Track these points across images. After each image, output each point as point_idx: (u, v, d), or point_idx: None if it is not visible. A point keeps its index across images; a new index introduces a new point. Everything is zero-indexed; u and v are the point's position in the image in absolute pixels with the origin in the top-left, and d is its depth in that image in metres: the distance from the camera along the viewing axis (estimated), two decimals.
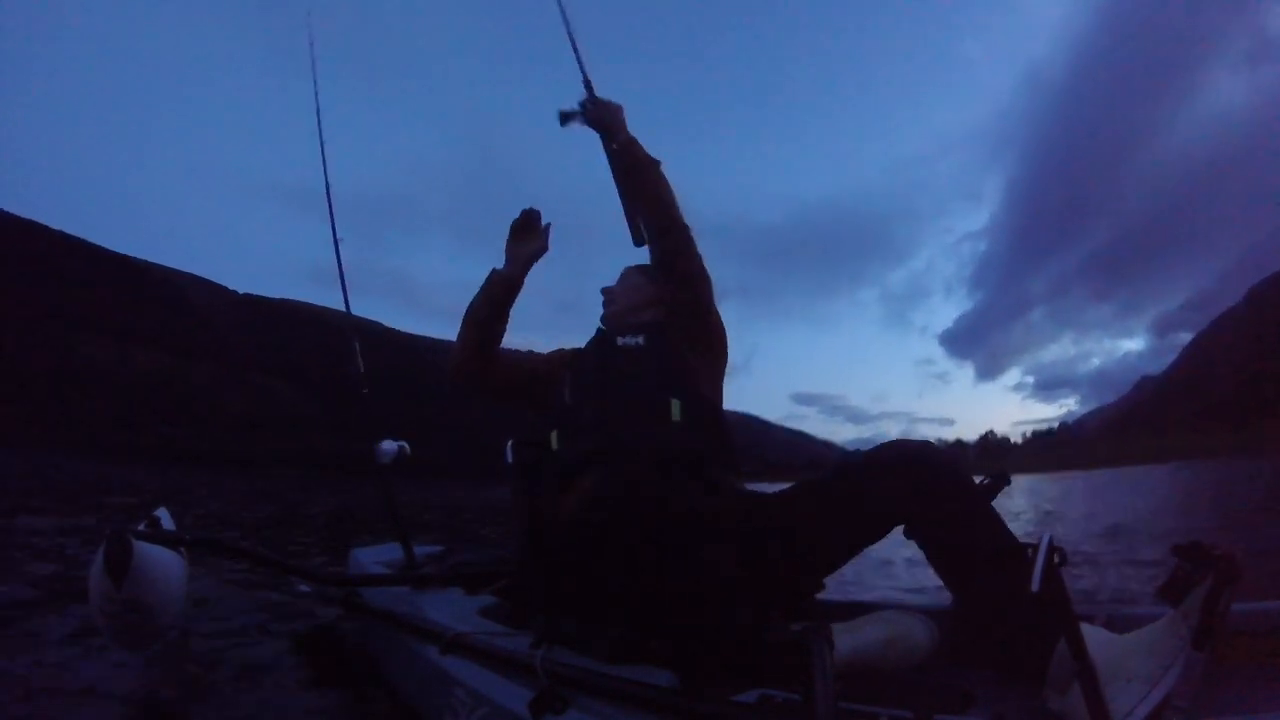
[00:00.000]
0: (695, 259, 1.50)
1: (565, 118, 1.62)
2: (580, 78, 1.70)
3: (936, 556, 1.16)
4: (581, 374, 1.48)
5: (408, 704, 1.67)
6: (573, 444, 1.34)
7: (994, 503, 1.19)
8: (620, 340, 1.49)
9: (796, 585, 1.31)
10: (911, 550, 1.23)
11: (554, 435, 1.38)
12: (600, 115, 1.60)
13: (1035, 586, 0.78)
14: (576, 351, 1.62)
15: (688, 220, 1.55)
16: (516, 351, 1.64)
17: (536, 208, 1.60)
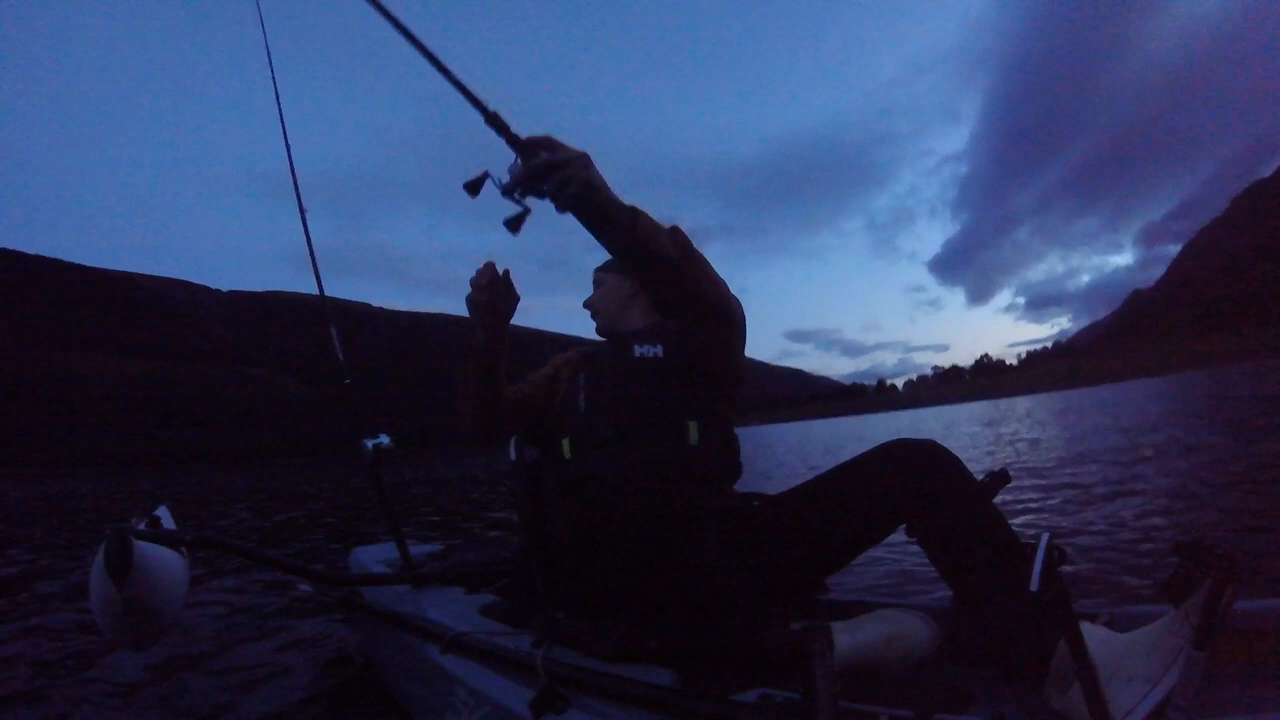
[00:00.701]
0: (694, 277, 1.24)
1: (472, 187, 1.04)
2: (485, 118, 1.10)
3: (938, 556, 1.16)
4: (598, 380, 1.42)
5: (408, 703, 1.67)
6: (586, 456, 1.31)
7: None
8: (638, 350, 1.41)
9: (797, 585, 1.31)
10: (912, 549, 1.23)
11: (566, 442, 1.34)
12: (562, 180, 1.00)
13: (1035, 586, 0.78)
14: (585, 354, 1.58)
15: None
16: (518, 387, 1.56)
17: (496, 268, 1.33)
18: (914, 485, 1.16)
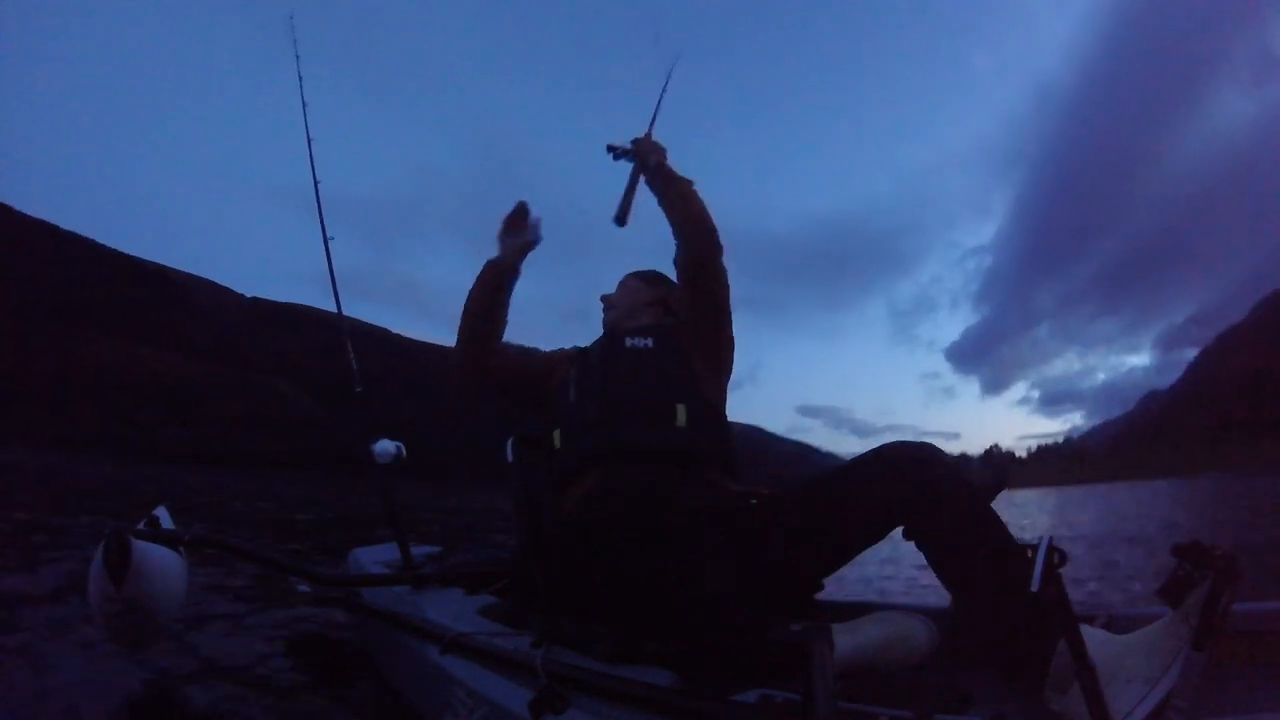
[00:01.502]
0: (721, 265, 1.53)
1: (615, 152, 1.69)
2: (650, 116, 1.80)
3: (936, 558, 1.16)
4: (586, 373, 1.48)
5: (408, 704, 1.67)
6: (576, 444, 1.34)
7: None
8: (629, 342, 1.50)
9: (797, 585, 1.31)
10: (912, 550, 1.23)
11: (557, 434, 1.38)
12: (647, 151, 1.65)
13: (1035, 587, 0.78)
14: (580, 350, 1.62)
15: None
16: (519, 347, 1.65)
17: (525, 201, 1.64)
18: (910, 488, 1.16)
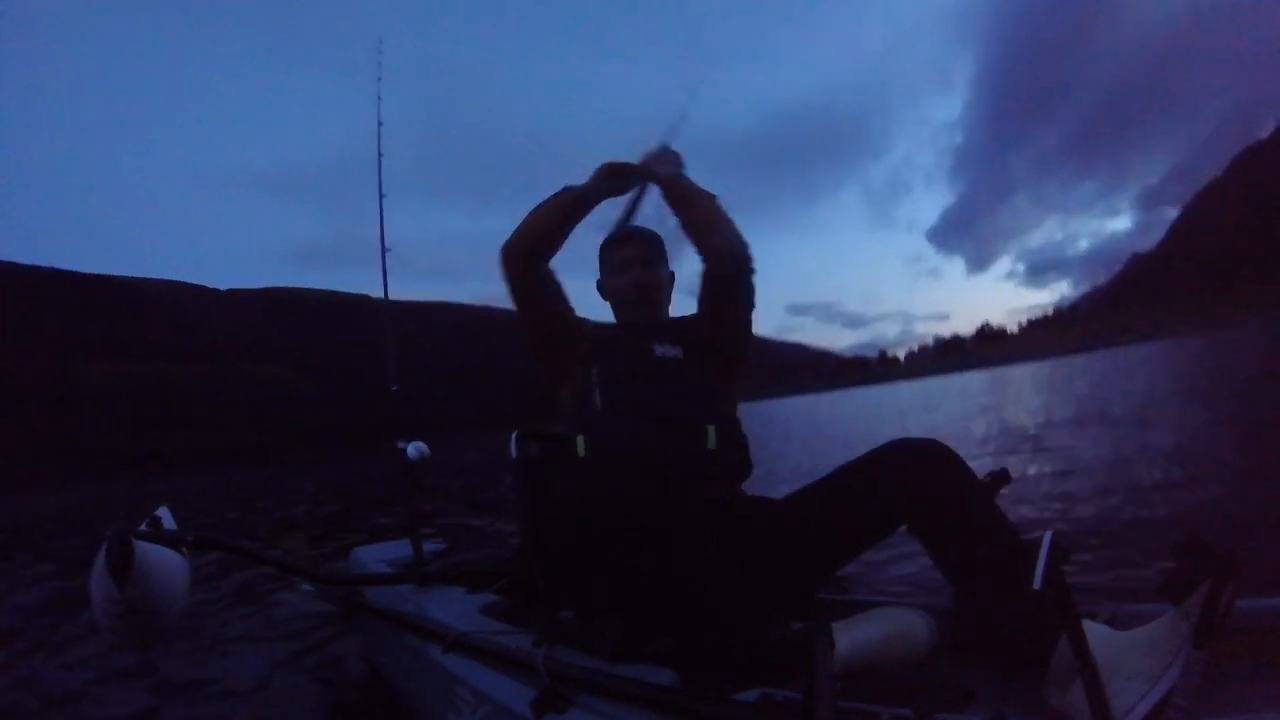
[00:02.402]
0: (752, 286, 1.43)
1: (624, 179, 1.56)
2: (668, 127, 1.66)
3: (939, 554, 1.16)
4: (612, 377, 1.39)
5: (410, 703, 1.67)
6: (602, 454, 1.29)
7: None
8: (658, 350, 1.42)
9: (798, 585, 1.31)
10: (914, 548, 1.23)
11: (580, 440, 1.30)
12: (658, 163, 1.53)
13: (1038, 583, 0.78)
14: (596, 332, 1.52)
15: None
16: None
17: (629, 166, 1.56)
18: (916, 486, 1.16)
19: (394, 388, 2.28)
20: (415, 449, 2.10)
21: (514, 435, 1.38)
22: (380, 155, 2.35)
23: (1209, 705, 0.81)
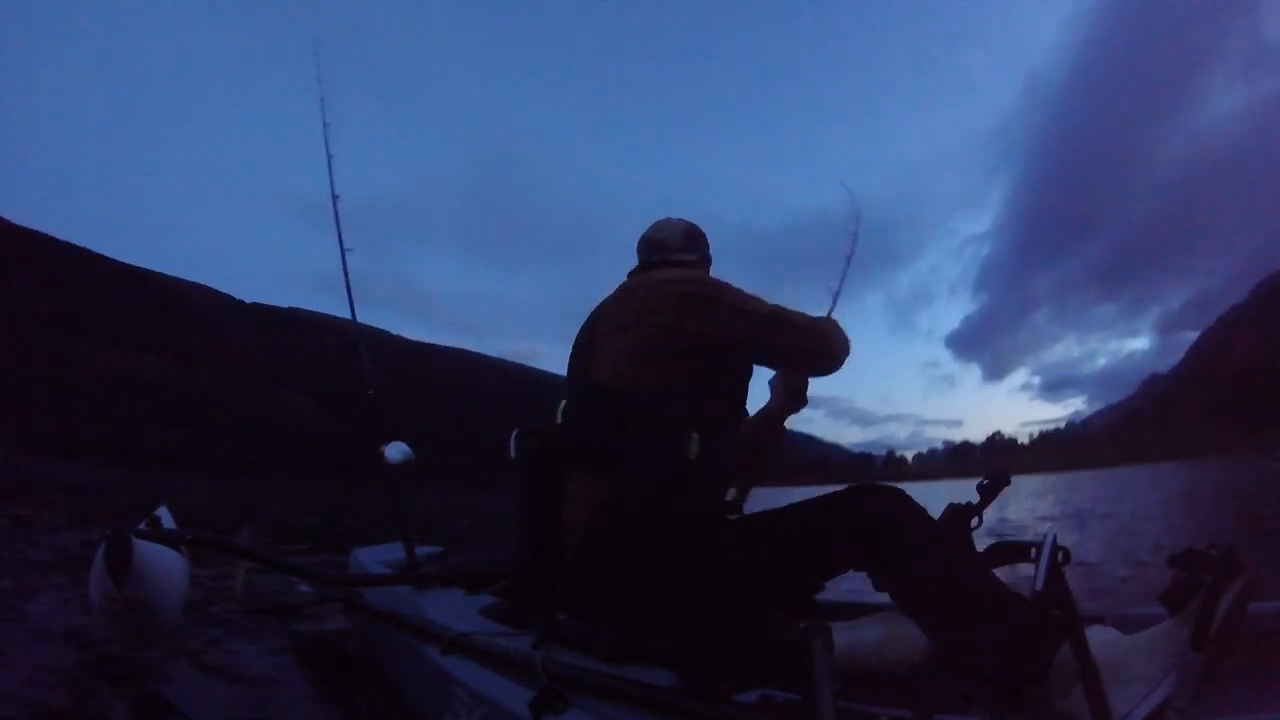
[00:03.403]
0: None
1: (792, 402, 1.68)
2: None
3: (908, 611, 1.09)
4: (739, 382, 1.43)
5: (408, 704, 1.67)
6: (711, 457, 1.25)
7: (998, 501, 1.17)
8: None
9: (799, 585, 1.30)
10: None
11: (694, 439, 1.20)
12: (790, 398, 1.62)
13: (1039, 584, 0.78)
14: None
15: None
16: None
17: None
18: (868, 536, 1.09)
19: (370, 391, 2.26)
20: (396, 450, 2.05)
21: (514, 434, 1.37)
22: (329, 156, 2.41)
23: (1209, 707, 0.81)
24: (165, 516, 1.67)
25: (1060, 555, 0.80)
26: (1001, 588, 1.00)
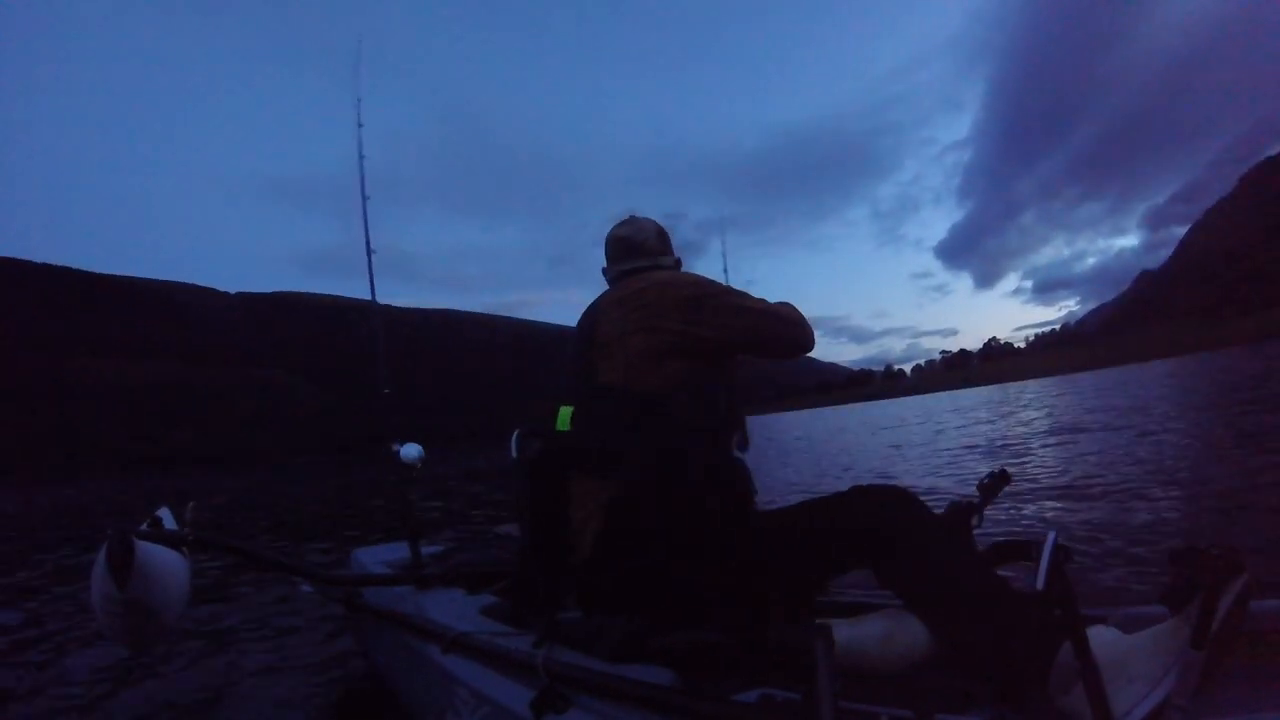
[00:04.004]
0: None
1: None
2: None
3: (911, 606, 1.13)
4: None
5: (410, 704, 1.67)
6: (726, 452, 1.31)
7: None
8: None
9: (802, 584, 1.31)
10: None
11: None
12: None
13: (1041, 584, 0.78)
14: None
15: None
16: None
17: None
18: (872, 535, 1.14)
19: (386, 390, 2.27)
20: (410, 451, 2.08)
21: (515, 434, 1.37)
22: (361, 156, 2.36)
23: (1209, 706, 0.81)
24: (166, 517, 1.66)
25: (1061, 554, 0.80)
26: (1003, 586, 1.02)
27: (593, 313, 1.41)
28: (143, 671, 2.41)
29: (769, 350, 1.36)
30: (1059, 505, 3.77)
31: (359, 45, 2.55)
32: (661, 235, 1.58)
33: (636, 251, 1.53)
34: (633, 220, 1.59)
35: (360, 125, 2.38)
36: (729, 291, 1.35)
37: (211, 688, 2.21)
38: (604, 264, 1.59)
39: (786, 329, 1.36)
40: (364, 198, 2.37)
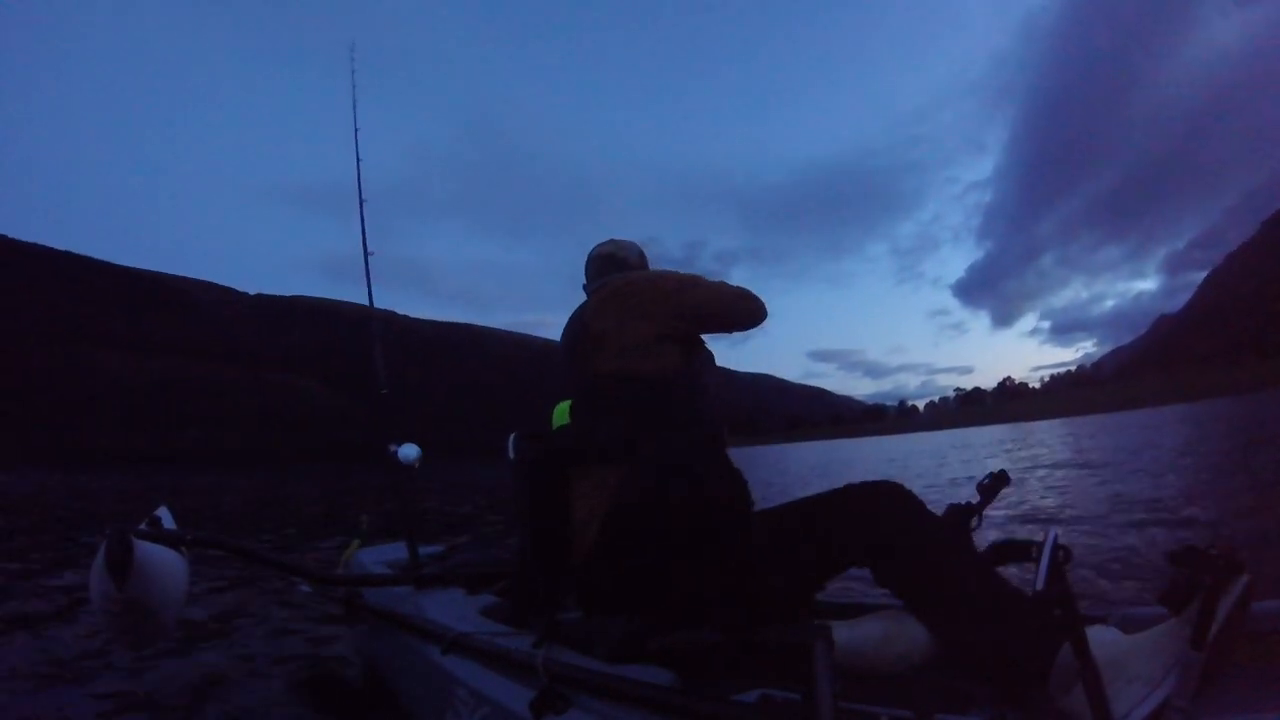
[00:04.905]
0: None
1: None
2: None
3: (909, 603, 1.14)
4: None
5: (409, 704, 1.67)
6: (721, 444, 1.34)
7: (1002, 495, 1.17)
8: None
9: (801, 583, 1.30)
10: None
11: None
12: None
13: (1040, 584, 0.78)
14: None
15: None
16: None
17: None
18: (869, 533, 1.14)
19: (383, 390, 2.28)
20: (407, 451, 2.09)
21: (512, 437, 1.38)
22: (359, 160, 2.40)
23: (1209, 707, 0.81)
24: (165, 517, 1.66)
25: (1061, 554, 0.80)
26: (1003, 586, 1.02)
27: (581, 314, 1.46)
28: (141, 670, 2.41)
29: (739, 324, 1.46)
30: (1059, 530, 3.76)
31: (351, 53, 2.67)
32: (643, 255, 1.67)
33: (621, 266, 1.63)
34: (614, 241, 1.69)
35: (356, 129, 2.45)
36: (705, 279, 1.47)
37: (210, 688, 2.21)
38: (584, 281, 1.65)
39: (749, 304, 1.47)
40: (361, 201, 2.40)
